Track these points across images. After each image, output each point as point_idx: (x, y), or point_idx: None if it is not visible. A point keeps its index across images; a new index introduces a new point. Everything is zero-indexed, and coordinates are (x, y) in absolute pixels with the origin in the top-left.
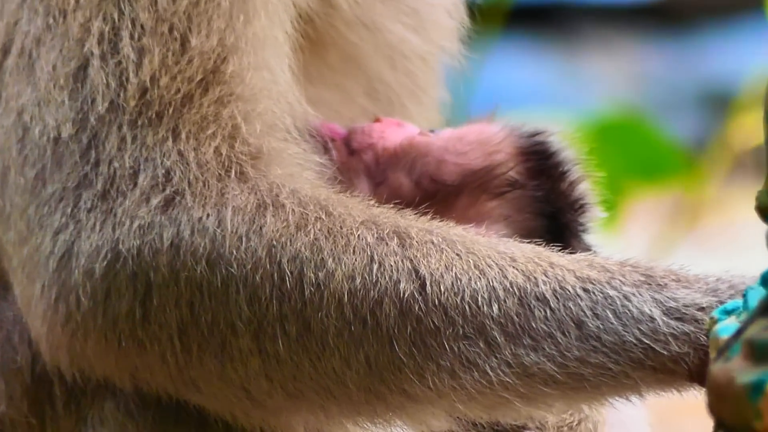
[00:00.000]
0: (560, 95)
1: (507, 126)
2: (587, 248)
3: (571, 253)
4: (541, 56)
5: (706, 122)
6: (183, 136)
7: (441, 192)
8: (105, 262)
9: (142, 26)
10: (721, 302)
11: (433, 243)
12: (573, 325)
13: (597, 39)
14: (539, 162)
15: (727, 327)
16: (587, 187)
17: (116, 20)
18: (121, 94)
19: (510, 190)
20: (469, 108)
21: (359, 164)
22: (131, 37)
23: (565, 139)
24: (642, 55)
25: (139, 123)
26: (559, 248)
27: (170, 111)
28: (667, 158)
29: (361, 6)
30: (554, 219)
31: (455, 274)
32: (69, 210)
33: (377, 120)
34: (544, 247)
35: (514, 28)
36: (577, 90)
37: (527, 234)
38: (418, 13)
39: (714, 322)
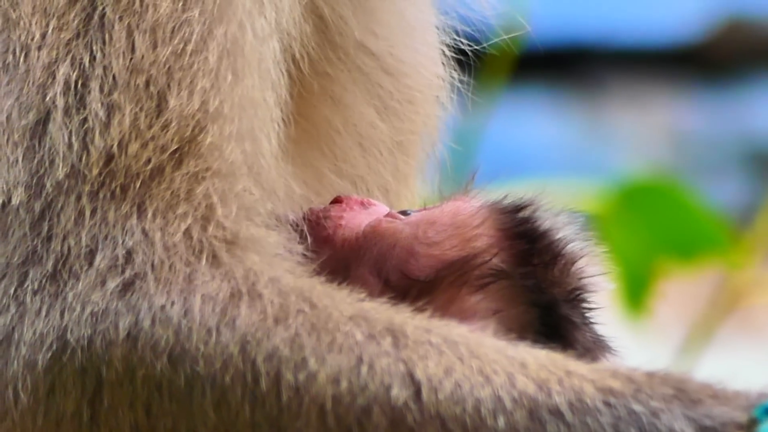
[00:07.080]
0: (579, 156)
1: (486, 203)
2: (595, 339)
3: (581, 351)
4: (557, 110)
5: (752, 188)
6: (149, 213)
7: (414, 289)
8: (50, 353)
9: (114, 77)
10: None
11: (431, 343)
12: None
13: (622, 89)
14: (527, 246)
15: None
16: (586, 268)
17: (86, 66)
18: (84, 159)
19: (494, 281)
20: (472, 173)
21: (319, 259)
22: (101, 89)
23: (559, 211)
24: (676, 109)
25: (101, 195)
26: (573, 351)
27: (137, 184)
28: (706, 230)
29: (332, 77)
30: (550, 309)
31: (456, 380)
32: (12, 290)
33: (337, 200)
34: (561, 353)
35: (524, 77)
36: (600, 149)
37: (522, 328)
38: (393, 96)
39: (754, 422)
